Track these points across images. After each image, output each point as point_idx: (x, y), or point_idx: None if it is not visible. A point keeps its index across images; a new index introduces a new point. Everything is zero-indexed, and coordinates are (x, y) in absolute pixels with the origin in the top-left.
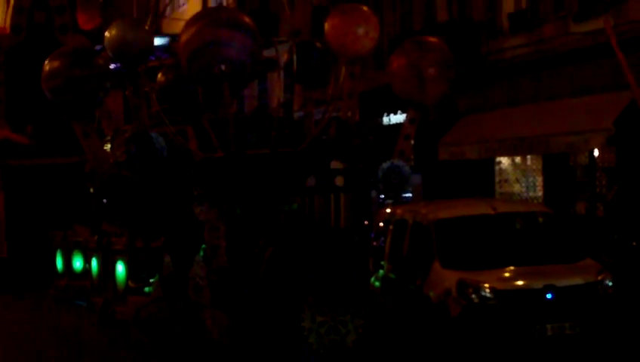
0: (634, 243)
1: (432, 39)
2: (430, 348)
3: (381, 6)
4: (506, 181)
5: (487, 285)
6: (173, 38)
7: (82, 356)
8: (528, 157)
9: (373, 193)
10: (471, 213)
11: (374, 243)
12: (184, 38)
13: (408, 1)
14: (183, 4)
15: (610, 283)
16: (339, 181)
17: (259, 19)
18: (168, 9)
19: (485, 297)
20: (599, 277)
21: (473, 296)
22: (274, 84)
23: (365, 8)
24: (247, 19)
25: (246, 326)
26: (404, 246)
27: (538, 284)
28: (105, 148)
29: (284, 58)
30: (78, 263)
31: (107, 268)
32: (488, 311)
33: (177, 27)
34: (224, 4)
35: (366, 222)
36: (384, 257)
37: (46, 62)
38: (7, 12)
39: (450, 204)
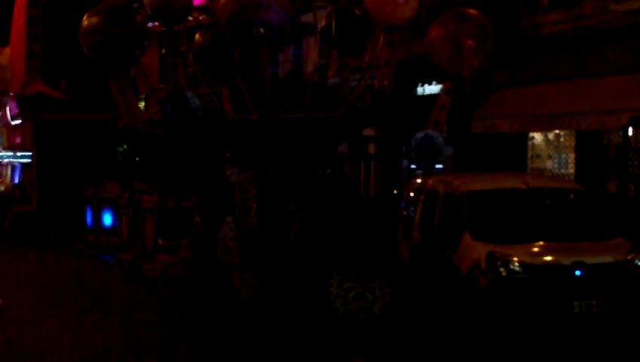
0: None
1: (472, 11)
2: (456, 318)
3: None
4: (538, 156)
5: (516, 259)
6: None
7: (109, 311)
8: (561, 133)
9: (404, 162)
10: (503, 186)
11: (404, 213)
12: None
13: None
14: None
15: None
16: (371, 149)
17: None
18: None
19: (514, 271)
20: (629, 257)
21: (502, 269)
22: (309, 49)
23: None
24: None
25: (274, 289)
26: (435, 217)
27: (567, 260)
28: (139, 106)
29: (321, 23)
30: (107, 219)
31: (137, 226)
32: (516, 285)
33: None
34: None
35: (395, 191)
36: (414, 227)
37: (84, 18)
38: None
39: (482, 177)
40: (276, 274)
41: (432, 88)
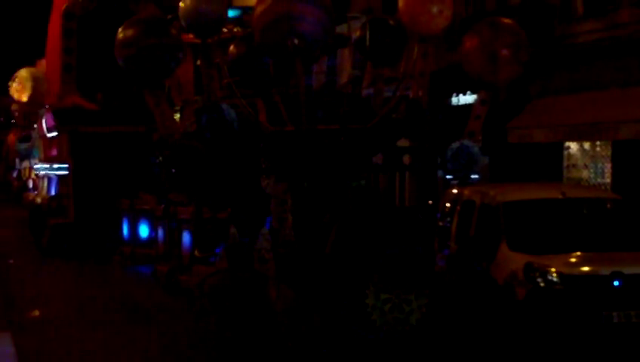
0: None
1: (506, 20)
2: (494, 330)
3: None
4: (574, 166)
5: (553, 269)
6: (246, 10)
7: (146, 322)
8: (597, 143)
9: (439, 173)
10: (539, 196)
11: (440, 223)
12: (258, 10)
13: None
14: None
15: None
16: (406, 159)
17: None
18: None
19: (552, 281)
20: None
21: (539, 279)
22: (343, 60)
23: None
24: None
25: (310, 301)
26: (471, 228)
27: (605, 271)
28: (175, 117)
29: (355, 34)
30: (143, 231)
31: (173, 237)
32: (554, 295)
33: None
34: None
35: (430, 202)
36: (450, 237)
37: (119, 30)
38: None
39: (518, 187)
40: (312, 286)
41: (467, 98)
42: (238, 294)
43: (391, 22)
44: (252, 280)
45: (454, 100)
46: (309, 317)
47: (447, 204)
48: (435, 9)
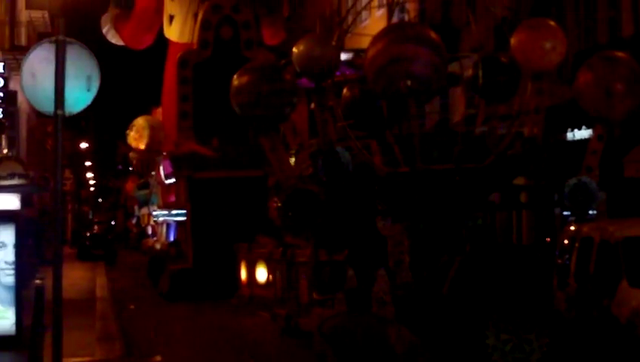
0: None
1: (620, 54)
2: None
3: (565, 19)
4: None
5: None
6: (357, 53)
7: None
8: None
9: (557, 210)
10: None
11: (559, 261)
12: (370, 53)
13: (592, 14)
14: (365, 20)
15: None
16: (523, 197)
17: (440, 33)
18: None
19: None
20: None
21: None
22: (456, 98)
23: (552, 23)
24: (433, 35)
25: (430, 342)
26: (590, 265)
27: None
28: (290, 161)
29: (468, 73)
30: (261, 274)
31: (291, 280)
32: None
33: (359, 42)
34: (406, 19)
35: (548, 239)
36: (569, 275)
37: (234, 77)
38: (195, 28)
39: (637, 222)
40: (432, 327)
41: (583, 133)
42: (357, 337)
43: (503, 59)
44: (371, 322)
45: (569, 135)
46: (430, 360)
47: (566, 241)
48: (548, 45)
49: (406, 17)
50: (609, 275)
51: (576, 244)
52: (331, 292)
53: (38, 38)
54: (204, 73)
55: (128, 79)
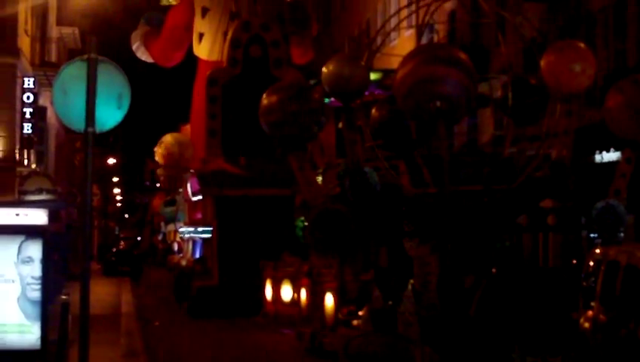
0: None
1: None
2: None
3: (594, 41)
4: None
5: None
6: (386, 73)
7: None
8: None
9: (584, 232)
10: None
11: (584, 284)
12: (400, 74)
13: (621, 36)
14: (394, 40)
15: None
16: (550, 219)
17: (470, 54)
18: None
19: None
20: None
21: None
22: (484, 119)
23: (582, 45)
24: (463, 56)
25: None
26: (617, 288)
27: None
28: (317, 180)
29: (497, 94)
30: (287, 292)
31: (316, 299)
32: None
33: (388, 62)
34: (435, 39)
35: (574, 262)
36: (595, 298)
37: (263, 96)
38: (224, 46)
39: None
40: (457, 349)
41: (611, 156)
42: (382, 357)
43: (532, 81)
44: (396, 343)
45: (598, 158)
46: None
47: (591, 264)
48: (577, 68)
49: (435, 38)
50: (635, 299)
51: (602, 267)
52: (357, 311)
53: (68, 54)
54: (232, 91)
55: (157, 96)
